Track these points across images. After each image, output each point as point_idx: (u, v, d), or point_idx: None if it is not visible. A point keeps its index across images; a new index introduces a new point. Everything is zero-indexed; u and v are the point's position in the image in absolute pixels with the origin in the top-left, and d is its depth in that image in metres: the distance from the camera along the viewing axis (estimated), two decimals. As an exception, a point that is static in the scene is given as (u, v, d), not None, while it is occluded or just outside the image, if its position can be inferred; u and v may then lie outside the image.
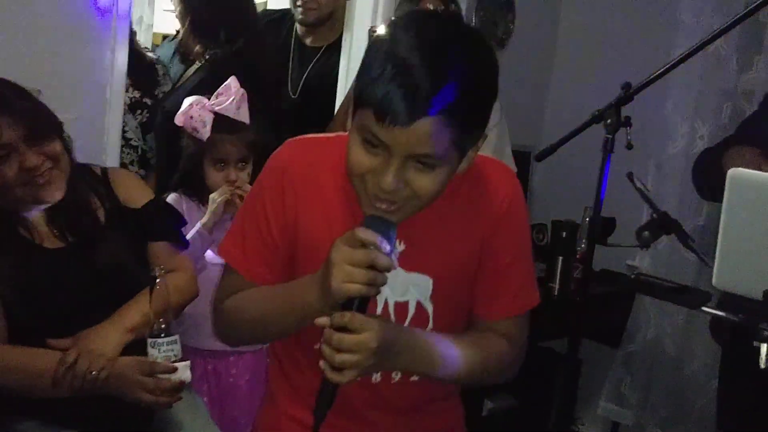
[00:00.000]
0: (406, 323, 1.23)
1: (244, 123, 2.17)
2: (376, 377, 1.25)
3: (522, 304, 1.30)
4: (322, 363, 1.08)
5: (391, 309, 1.23)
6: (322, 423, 1.11)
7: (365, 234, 1.07)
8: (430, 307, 1.24)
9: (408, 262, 1.20)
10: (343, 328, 1.07)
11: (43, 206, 1.69)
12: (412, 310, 1.24)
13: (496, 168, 1.30)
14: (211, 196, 2.10)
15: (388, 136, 1.05)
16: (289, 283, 1.22)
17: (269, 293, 1.23)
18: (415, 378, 1.26)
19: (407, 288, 1.22)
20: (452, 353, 1.20)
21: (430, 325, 1.25)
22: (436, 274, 1.23)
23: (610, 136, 1.85)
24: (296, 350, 1.29)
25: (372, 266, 1.06)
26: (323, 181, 1.23)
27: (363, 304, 1.09)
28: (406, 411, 1.30)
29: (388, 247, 1.07)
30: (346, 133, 1.16)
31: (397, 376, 1.26)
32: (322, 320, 1.10)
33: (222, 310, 1.29)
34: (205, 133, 2.13)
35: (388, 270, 1.08)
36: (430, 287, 1.23)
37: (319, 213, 1.22)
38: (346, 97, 2.27)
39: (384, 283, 1.08)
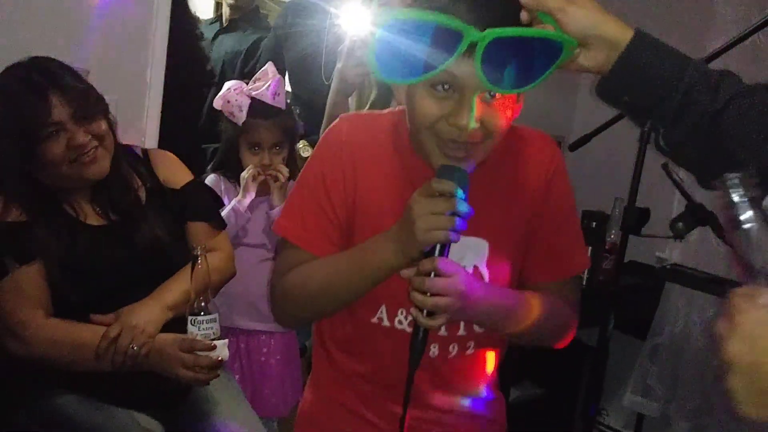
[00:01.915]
0: None
1: (279, 108, 2.20)
2: (434, 351, 1.26)
3: (571, 266, 1.32)
4: (413, 310, 1.10)
5: None
6: (416, 369, 1.13)
7: (442, 183, 1.09)
8: (486, 273, 1.25)
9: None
10: (430, 274, 1.09)
11: (88, 184, 1.72)
12: None
13: (539, 137, 1.32)
14: (242, 175, 2.15)
15: (459, 68, 1.05)
16: (356, 247, 1.22)
17: (336, 260, 1.23)
18: (470, 351, 1.28)
19: (464, 253, 1.22)
20: (522, 303, 1.22)
21: None
22: (491, 237, 1.24)
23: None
24: (348, 327, 1.29)
25: (453, 213, 1.08)
26: (380, 151, 1.25)
27: (445, 251, 1.11)
28: (461, 391, 1.32)
29: (463, 194, 1.10)
30: (399, 108, 1.19)
31: (454, 350, 1.27)
32: (407, 272, 1.12)
33: (283, 286, 1.26)
34: (241, 117, 2.16)
35: (468, 216, 1.10)
36: (486, 251, 1.24)
37: (377, 183, 1.24)
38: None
39: (464, 229, 1.10)
